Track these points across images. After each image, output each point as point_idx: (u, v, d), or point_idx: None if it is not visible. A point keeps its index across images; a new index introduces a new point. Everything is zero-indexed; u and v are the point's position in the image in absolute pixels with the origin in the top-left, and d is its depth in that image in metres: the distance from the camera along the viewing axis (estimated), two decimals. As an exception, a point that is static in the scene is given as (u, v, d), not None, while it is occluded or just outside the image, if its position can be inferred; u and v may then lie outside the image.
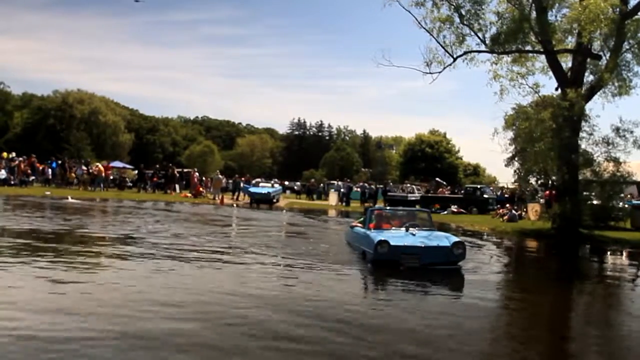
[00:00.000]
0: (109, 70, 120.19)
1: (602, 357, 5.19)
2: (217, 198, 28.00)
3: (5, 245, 9.39)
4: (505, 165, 17.95)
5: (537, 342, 5.49)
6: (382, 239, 8.90)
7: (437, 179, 37.16)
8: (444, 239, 9.23)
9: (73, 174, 29.52)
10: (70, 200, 20.96)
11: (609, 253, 14.01)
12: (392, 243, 8.77)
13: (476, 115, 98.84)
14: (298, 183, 45.79)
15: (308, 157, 78.63)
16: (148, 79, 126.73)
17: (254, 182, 33.98)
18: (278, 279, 7.86)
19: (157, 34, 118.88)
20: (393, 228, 10.03)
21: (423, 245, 8.88)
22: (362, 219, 11.39)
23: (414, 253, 8.74)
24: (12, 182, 26.24)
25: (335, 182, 37.97)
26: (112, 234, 11.97)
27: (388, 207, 12.84)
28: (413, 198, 30.44)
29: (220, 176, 32.04)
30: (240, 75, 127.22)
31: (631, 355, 5.20)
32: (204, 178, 35.67)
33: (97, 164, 31.58)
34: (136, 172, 33.35)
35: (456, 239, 9.35)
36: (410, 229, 9.66)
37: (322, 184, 40.85)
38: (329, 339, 4.87)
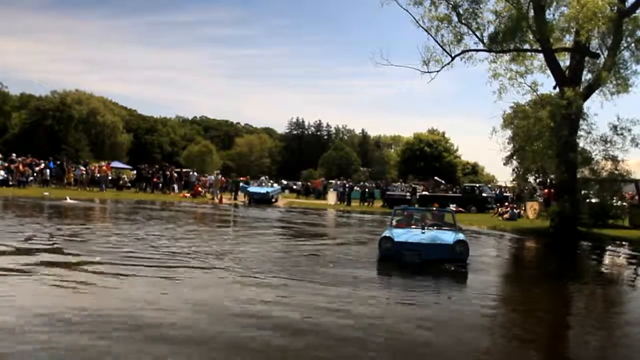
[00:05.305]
0: (108, 71, 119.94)
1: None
2: (215, 198, 28.02)
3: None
4: (504, 164, 17.94)
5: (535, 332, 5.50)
6: (387, 235, 9.42)
7: (436, 177, 37.24)
8: (449, 237, 9.53)
9: (71, 175, 29.48)
10: (68, 200, 20.91)
11: (607, 251, 14.02)
12: (395, 239, 9.24)
13: (475, 114, 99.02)
14: (299, 183, 45.70)
15: (307, 156, 78.56)
16: (147, 79, 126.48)
17: (256, 181, 33.94)
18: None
19: (156, 35, 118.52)
20: (414, 227, 10.33)
21: (424, 242, 9.27)
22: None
23: (415, 249, 9.11)
24: (11, 183, 26.19)
25: (334, 182, 37.89)
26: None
27: (411, 207, 13.29)
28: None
29: (219, 176, 32.00)
30: (240, 75, 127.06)
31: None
32: (202, 178, 35.63)
33: (95, 164, 31.47)
34: (134, 172, 33.26)
35: (461, 237, 9.61)
36: (427, 228, 10.05)
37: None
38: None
